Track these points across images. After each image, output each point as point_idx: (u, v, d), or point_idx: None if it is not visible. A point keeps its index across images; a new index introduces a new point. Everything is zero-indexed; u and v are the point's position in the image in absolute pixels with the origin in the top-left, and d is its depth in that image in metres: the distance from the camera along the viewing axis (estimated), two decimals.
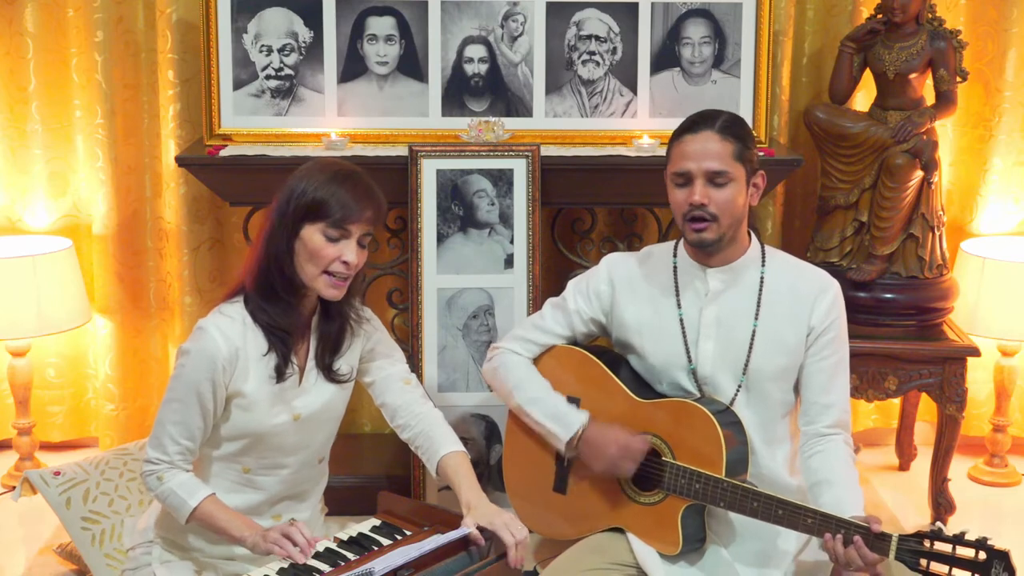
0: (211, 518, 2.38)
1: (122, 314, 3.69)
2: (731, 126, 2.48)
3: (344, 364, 2.52)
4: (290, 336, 2.42)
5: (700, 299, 2.57)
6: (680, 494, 2.45)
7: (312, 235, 2.35)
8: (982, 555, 2.13)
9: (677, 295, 2.59)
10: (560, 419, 2.60)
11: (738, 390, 2.55)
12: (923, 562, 2.18)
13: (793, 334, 2.54)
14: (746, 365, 2.54)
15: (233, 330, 2.38)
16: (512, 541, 2.32)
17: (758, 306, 2.55)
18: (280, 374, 2.41)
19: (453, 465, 2.49)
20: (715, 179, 2.45)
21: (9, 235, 3.64)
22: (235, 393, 2.39)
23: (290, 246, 2.37)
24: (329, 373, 2.50)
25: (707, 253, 2.53)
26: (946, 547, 2.16)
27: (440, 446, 2.52)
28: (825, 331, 2.54)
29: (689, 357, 2.57)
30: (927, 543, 2.18)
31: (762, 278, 2.56)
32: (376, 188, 2.42)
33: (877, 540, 2.23)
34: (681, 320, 2.58)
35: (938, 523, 2.16)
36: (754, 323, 2.54)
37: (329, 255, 2.35)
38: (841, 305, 2.57)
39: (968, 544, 2.15)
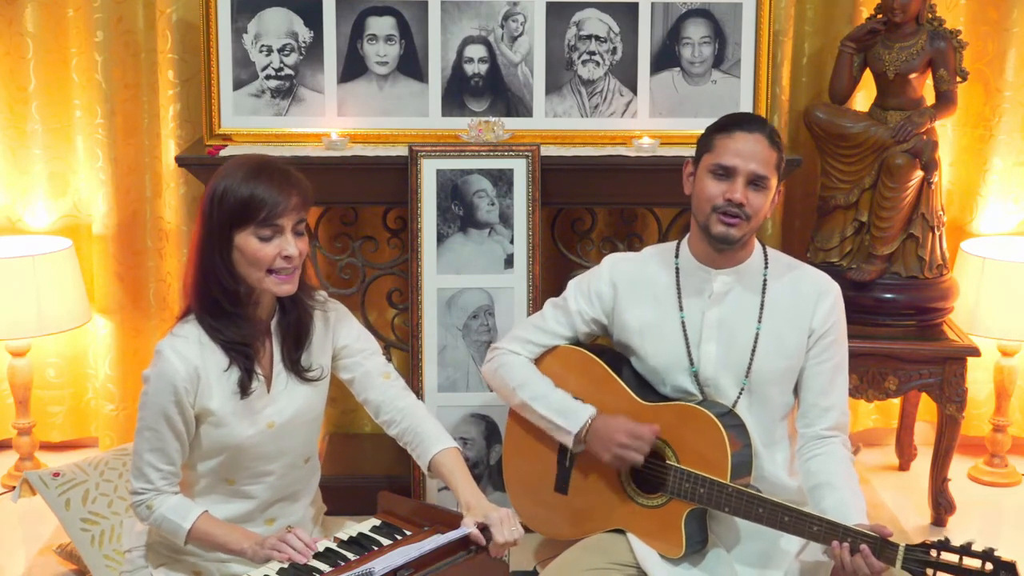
0: (208, 536, 2.36)
1: (122, 314, 3.69)
2: (776, 137, 2.51)
3: (313, 360, 2.47)
4: (250, 347, 2.37)
5: (703, 301, 2.57)
6: (684, 498, 2.45)
7: (246, 241, 2.29)
8: (988, 566, 2.13)
9: (679, 297, 2.59)
10: (567, 413, 2.60)
11: (740, 393, 2.54)
12: (929, 572, 2.18)
13: (794, 337, 2.54)
14: (749, 368, 2.54)
15: (189, 350, 2.33)
16: (502, 540, 2.30)
17: (761, 309, 2.54)
18: (244, 389, 2.36)
19: (448, 464, 2.46)
20: (757, 182, 2.46)
21: (9, 235, 3.64)
22: (203, 412, 2.35)
23: (225, 257, 2.31)
24: (297, 369, 2.44)
25: (719, 251, 2.52)
26: (953, 557, 2.16)
27: (431, 443, 2.48)
28: (826, 334, 2.54)
29: (691, 359, 2.56)
30: (934, 553, 2.17)
31: (765, 280, 2.56)
32: (294, 172, 2.35)
33: (884, 549, 2.22)
34: (683, 322, 2.57)
35: (944, 534, 2.15)
36: (757, 326, 2.54)
37: (268, 255, 2.29)
38: (841, 308, 2.58)
39: (975, 555, 2.14)
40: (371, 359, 2.57)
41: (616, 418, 2.55)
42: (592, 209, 3.47)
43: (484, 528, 2.33)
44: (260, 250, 2.30)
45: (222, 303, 2.33)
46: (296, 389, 2.45)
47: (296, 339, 2.44)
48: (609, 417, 2.56)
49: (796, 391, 2.59)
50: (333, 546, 2.34)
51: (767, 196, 2.48)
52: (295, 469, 2.51)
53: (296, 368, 2.44)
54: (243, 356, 2.36)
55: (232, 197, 2.29)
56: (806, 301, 2.55)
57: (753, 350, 2.53)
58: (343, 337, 2.55)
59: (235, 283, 2.33)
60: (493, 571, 2.34)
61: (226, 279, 2.32)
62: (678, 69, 3.37)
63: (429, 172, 3.19)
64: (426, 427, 2.51)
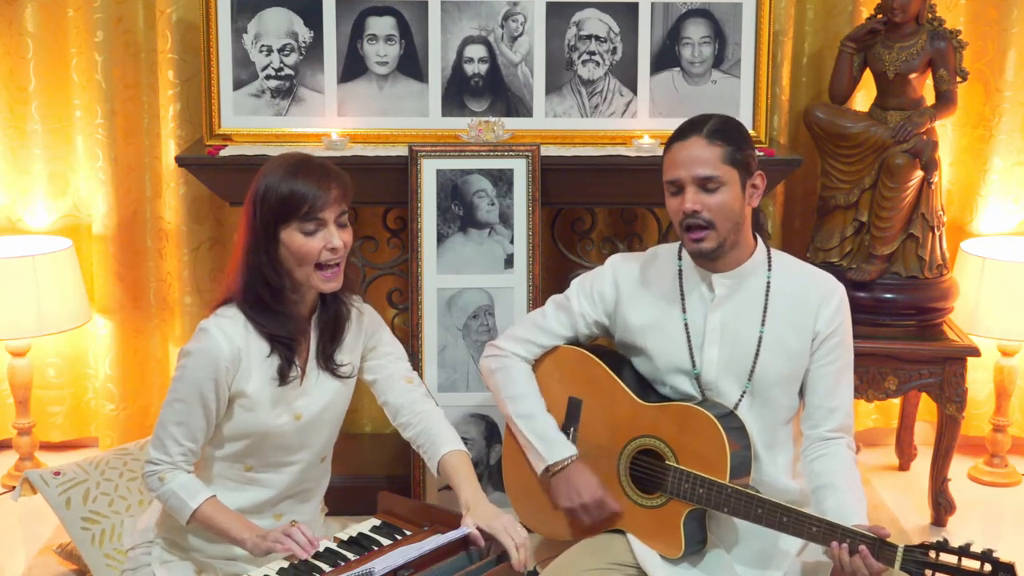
0: (211, 520, 2.37)
1: (122, 314, 3.69)
2: (720, 130, 2.45)
3: (346, 358, 2.51)
4: (293, 341, 2.41)
5: (705, 304, 2.55)
6: (683, 498, 2.45)
7: (291, 237, 2.34)
8: (987, 567, 2.12)
9: (682, 299, 2.57)
10: (548, 442, 2.61)
11: (742, 396, 2.54)
12: (928, 573, 2.17)
13: (798, 339, 2.52)
14: (752, 371, 2.52)
15: (235, 331, 2.37)
16: (512, 544, 2.31)
17: (764, 312, 2.53)
18: (283, 377, 2.40)
19: (454, 464, 2.48)
20: (706, 184, 2.42)
21: (9, 235, 3.64)
22: (237, 394, 2.39)
23: (272, 256, 2.35)
24: (330, 365, 2.48)
25: (709, 260, 2.52)
26: (951, 558, 2.16)
27: (441, 445, 2.51)
28: (831, 336, 2.52)
29: (693, 362, 2.55)
30: (932, 554, 2.17)
31: (768, 283, 2.55)
32: (332, 166, 2.40)
33: (883, 550, 2.22)
34: (686, 325, 2.56)
35: (943, 535, 2.15)
36: (760, 329, 2.52)
37: (314, 248, 2.34)
38: (846, 309, 2.55)
39: (974, 556, 2.14)
40: (396, 363, 2.62)
41: (592, 476, 2.56)
42: (592, 209, 3.47)
43: (488, 537, 2.33)
44: (305, 244, 2.33)
45: (267, 300, 2.37)
46: (326, 384, 2.49)
47: (332, 333, 2.49)
48: (586, 470, 2.57)
49: (801, 393, 2.59)
50: (333, 546, 2.35)
51: (726, 193, 2.43)
52: (311, 467, 2.53)
53: (329, 363, 2.48)
54: (286, 347, 2.40)
55: (274, 195, 2.33)
56: (810, 303, 2.53)
57: (756, 353, 2.52)
58: (374, 339, 2.60)
59: (280, 279, 2.36)
60: None
61: (272, 276, 2.35)
62: (678, 69, 3.37)
63: (429, 172, 3.19)
64: (439, 430, 2.54)
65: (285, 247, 2.35)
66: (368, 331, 2.59)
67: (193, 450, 2.40)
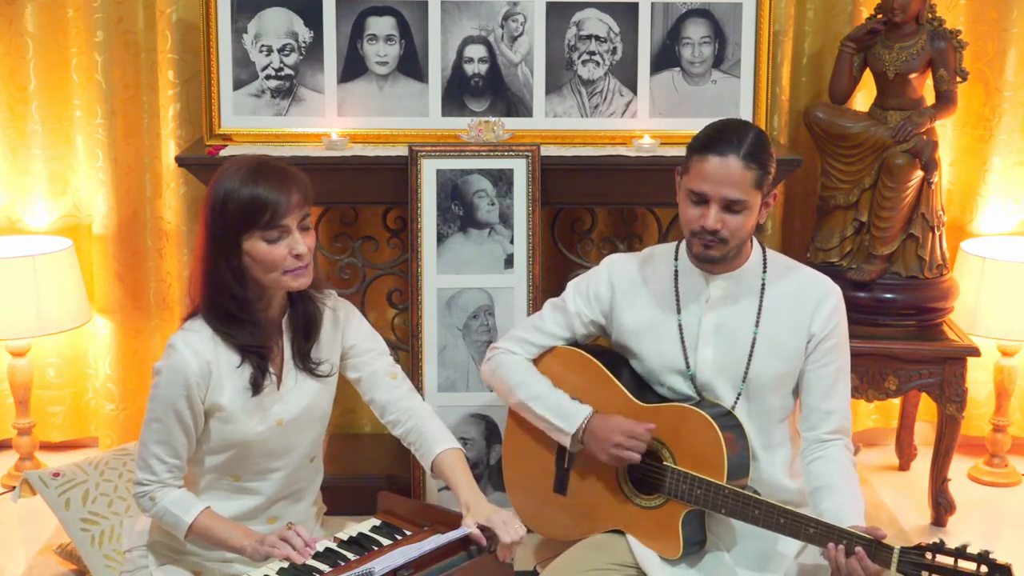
0: (208, 531, 2.36)
1: (122, 314, 3.69)
2: (756, 152, 2.41)
3: (323, 356, 2.48)
4: (264, 349, 2.38)
5: (700, 306, 2.55)
6: (681, 499, 2.45)
7: (254, 246, 2.29)
8: (984, 568, 2.13)
9: (677, 300, 2.58)
10: (564, 414, 2.59)
11: (738, 398, 2.54)
12: (924, 574, 2.18)
13: (793, 341, 2.52)
14: (746, 373, 2.53)
15: (203, 345, 2.33)
16: (508, 540, 2.31)
17: (759, 313, 2.53)
18: (257, 386, 2.36)
19: (449, 463, 2.47)
20: (732, 207, 2.41)
21: (9, 235, 3.64)
22: (213, 407, 2.36)
23: (234, 264, 2.30)
24: (308, 364, 2.44)
25: (709, 263, 2.52)
26: (948, 560, 2.16)
27: (434, 443, 2.49)
28: (826, 338, 2.52)
29: (687, 363, 2.56)
30: (929, 556, 2.17)
31: (763, 284, 2.55)
32: (291, 169, 2.34)
33: (879, 551, 2.22)
34: (680, 326, 2.56)
35: (943, 535, 2.16)
36: (754, 331, 2.53)
37: (280, 256, 2.29)
38: (842, 311, 2.56)
39: (970, 557, 2.14)
40: (379, 359, 2.58)
41: (613, 418, 2.54)
42: (592, 209, 3.47)
43: (486, 530, 2.33)
44: (270, 252, 2.29)
45: (233, 311, 2.33)
46: (305, 385, 2.45)
47: (306, 331, 2.45)
48: (606, 417, 2.55)
49: (796, 393, 2.59)
50: (333, 546, 2.35)
51: (747, 215, 2.43)
52: (300, 468, 2.51)
53: (305, 363, 2.45)
54: (258, 356, 2.37)
55: (234, 203, 2.28)
56: (806, 305, 2.53)
57: (750, 355, 2.52)
58: (352, 336, 2.56)
59: (244, 290, 2.32)
60: (499, 573, 2.34)
61: (235, 287, 2.31)
62: (678, 69, 3.37)
63: (429, 172, 3.19)
64: (431, 428, 2.52)
65: (249, 256, 2.30)
66: (344, 328, 2.54)
67: (179, 465, 2.38)
